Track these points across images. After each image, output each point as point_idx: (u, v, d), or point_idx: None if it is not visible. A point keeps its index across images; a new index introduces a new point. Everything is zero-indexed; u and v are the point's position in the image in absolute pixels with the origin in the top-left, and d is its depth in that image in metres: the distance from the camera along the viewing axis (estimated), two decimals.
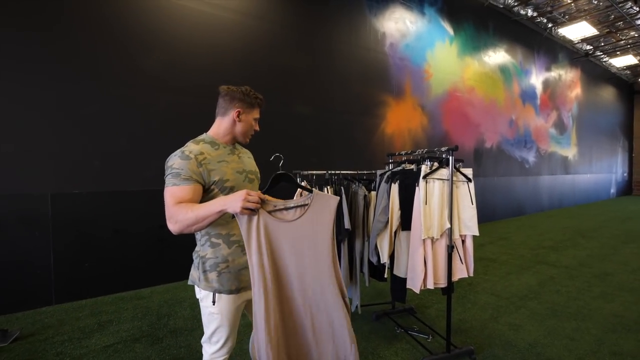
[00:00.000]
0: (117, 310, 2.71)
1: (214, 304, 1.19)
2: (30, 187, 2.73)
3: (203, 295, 1.22)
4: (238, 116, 1.25)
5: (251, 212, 1.04)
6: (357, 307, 2.38)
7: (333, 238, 1.09)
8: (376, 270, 2.35)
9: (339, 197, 1.08)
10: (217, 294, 1.19)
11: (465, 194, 1.93)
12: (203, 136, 1.27)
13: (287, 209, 1.09)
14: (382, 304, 2.69)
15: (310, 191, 1.12)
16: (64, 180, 2.86)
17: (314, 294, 1.09)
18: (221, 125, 1.26)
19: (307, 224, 1.08)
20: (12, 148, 2.66)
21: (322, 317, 1.09)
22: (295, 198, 1.36)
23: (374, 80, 5.00)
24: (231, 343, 1.26)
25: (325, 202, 1.09)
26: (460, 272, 1.98)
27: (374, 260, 2.21)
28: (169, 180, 1.13)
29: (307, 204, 1.09)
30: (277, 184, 1.12)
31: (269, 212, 1.08)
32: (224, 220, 1.19)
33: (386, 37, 5.17)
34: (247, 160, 1.34)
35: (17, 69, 2.67)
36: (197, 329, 2.34)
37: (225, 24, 3.65)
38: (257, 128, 1.32)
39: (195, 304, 2.78)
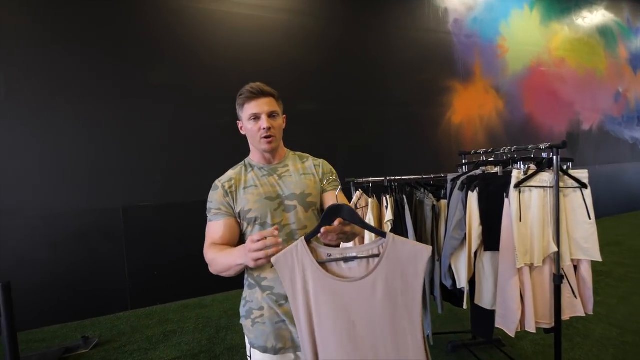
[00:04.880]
0: (181, 319, 2.77)
1: (250, 359, 1.00)
2: (105, 202, 2.93)
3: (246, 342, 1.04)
4: (242, 129, 1.04)
5: (267, 261, 0.77)
6: (427, 336, 2.00)
7: (422, 314, 0.74)
8: (451, 294, 1.94)
9: (430, 247, 0.72)
10: (251, 348, 0.99)
11: (579, 205, 1.42)
12: (244, 160, 1.08)
13: (346, 260, 0.76)
14: (460, 333, 2.25)
15: (383, 235, 0.76)
16: (132, 194, 3.02)
17: None
18: None
19: (381, 287, 0.73)
20: (90, 166, 2.88)
21: None
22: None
23: (436, 65, 4.40)
24: None
25: (409, 253, 0.72)
26: (573, 308, 1.48)
27: (447, 284, 1.81)
28: (207, 214, 1.01)
29: (377, 255, 0.75)
30: (330, 222, 0.79)
31: (321, 264, 0.76)
32: None
33: (448, 14, 4.50)
34: (295, 180, 1.01)
35: (84, 90, 2.87)
36: None
37: (269, 25, 3.50)
38: (265, 124, 0.95)
39: None
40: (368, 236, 1.85)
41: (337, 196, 1.03)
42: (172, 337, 2.48)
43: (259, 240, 0.75)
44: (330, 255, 0.77)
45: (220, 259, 0.90)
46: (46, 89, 2.75)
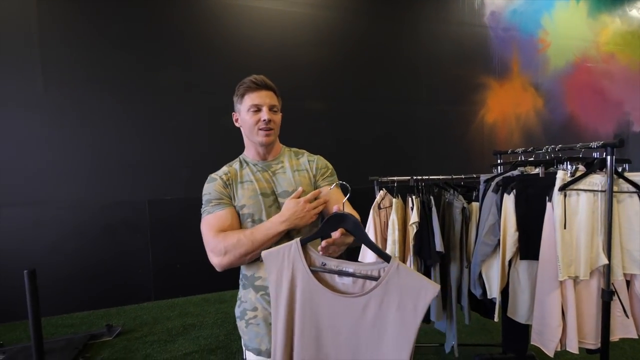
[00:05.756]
0: (201, 312, 2.81)
1: None
2: (132, 195, 3.03)
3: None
4: (237, 121, 1.03)
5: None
6: (452, 347, 1.88)
7: (411, 356, 0.66)
8: (480, 304, 1.82)
9: (438, 286, 0.64)
10: (246, 350, 0.95)
11: (635, 212, 1.26)
12: (239, 157, 1.07)
13: (341, 274, 0.71)
14: (489, 346, 2.10)
15: (388, 259, 0.68)
16: (158, 187, 3.11)
17: None
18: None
19: (371, 313, 0.67)
20: (119, 158, 2.99)
21: None
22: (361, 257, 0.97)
23: (469, 61, 4.19)
24: None
25: (412, 286, 0.65)
26: (625, 329, 1.31)
27: (477, 293, 1.69)
28: (203, 210, 0.96)
29: (376, 278, 0.68)
30: (333, 229, 0.75)
31: (314, 272, 0.72)
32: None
33: (485, 6, 4.27)
34: (288, 176, 0.98)
35: (116, 85, 2.97)
36: None
37: (294, 19, 3.46)
38: (266, 116, 0.94)
39: None
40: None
41: (331, 191, 0.98)
42: (191, 330, 2.51)
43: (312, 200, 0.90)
44: (324, 265, 0.72)
45: (249, 235, 0.86)
46: (81, 83, 2.87)
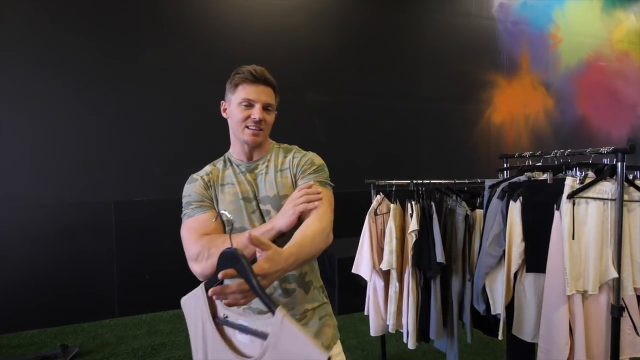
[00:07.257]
0: (172, 331, 2.78)
1: None
2: (95, 195, 2.99)
3: None
4: (225, 111, 1.03)
5: None
6: None
7: None
8: (484, 320, 1.87)
9: (326, 355, 0.54)
10: None
11: None
12: (224, 155, 1.08)
13: (241, 329, 0.64)
14: None
15: (272, 311, 0.60)
16: (126, 188, 3.08)
17: None
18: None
19: None
20: (80, 155, 2.94)
21: None
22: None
23: (475, 56, 4.31)
24: None
25: (298, 352, 0.57)
26: (634, 347, 1.38)
27: (480, 309, 1.75)
28: (183, 213, 0.96)
29: (265, 337, 0.61)
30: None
31: (217, 324, 0.66)
32: None
33: None
34: (271, 178, 0.98)
35: (77, 76, 2.94)
36: None
37: (286, 6, 3.50)
38: (258, 115, 0.93)
39: None
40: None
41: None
42: (161, 350, 2.49)
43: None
44: (226, 317, 0.66)
45: (235, 240, 0.82)
46: (37, 74, 2.81)
